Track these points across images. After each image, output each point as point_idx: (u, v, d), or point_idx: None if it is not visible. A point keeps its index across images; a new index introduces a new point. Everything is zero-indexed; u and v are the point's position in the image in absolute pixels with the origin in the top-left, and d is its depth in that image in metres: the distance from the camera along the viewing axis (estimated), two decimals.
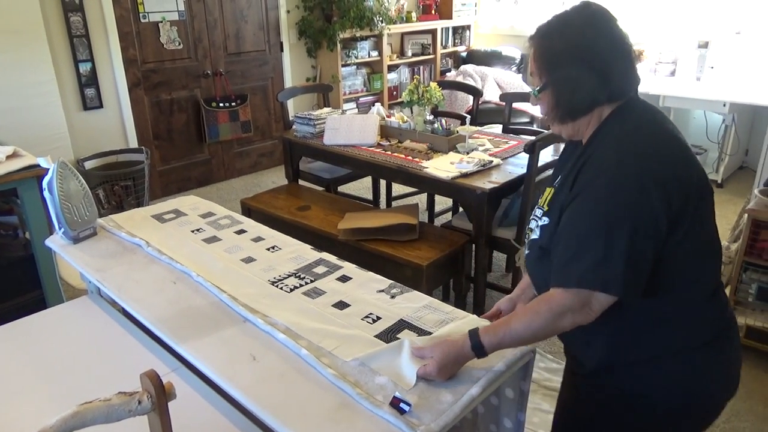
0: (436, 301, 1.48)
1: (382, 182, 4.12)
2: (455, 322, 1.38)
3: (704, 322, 1.19)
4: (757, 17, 4.63)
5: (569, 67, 1.17)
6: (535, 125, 5.31)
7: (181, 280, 1.64)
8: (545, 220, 1.25)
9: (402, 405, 1.11)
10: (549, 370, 2.51)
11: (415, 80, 3.26)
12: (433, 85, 3.22)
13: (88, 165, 3.97)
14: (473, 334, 1.17)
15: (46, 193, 1.83)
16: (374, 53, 5.60)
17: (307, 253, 1.78)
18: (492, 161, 2.85)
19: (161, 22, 4.33)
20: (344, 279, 1.62)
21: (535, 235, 1.28)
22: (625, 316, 1.15)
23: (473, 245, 2.80)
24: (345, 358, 1.28)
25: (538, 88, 1.23)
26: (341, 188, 3.92)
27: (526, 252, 1.33)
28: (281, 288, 1.57)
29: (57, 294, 2.48)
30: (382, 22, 5.32)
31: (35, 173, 2.40)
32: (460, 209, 3.49)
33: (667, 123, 1.19)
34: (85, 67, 3.96)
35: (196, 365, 1.30)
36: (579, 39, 1.17)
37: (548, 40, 1.20)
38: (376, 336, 1.35)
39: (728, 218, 4.15)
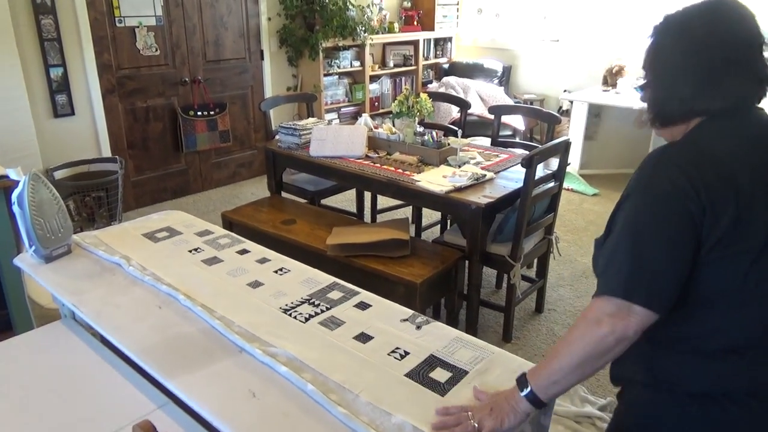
0: (465, 335, 1.38)
1: (367, 195, 4.01)
2: (490, 359, 1.28)
3: (716, 369, 1.01)
4: None
5: (667, 67, 1.09)
6: (517, 138, 5.28)
7: (167, 304, 1.50)
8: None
9: None
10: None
11: (404, 91, 3.17)
12: (424, 96, 3.14)
13: (58, 175, 3.76)
14: (521, 375, 1.09)
15: (15, 208, 1.68)
16: (356, 63, 5.51)
17: (318, 276, 1.66)
18: (485, 175, 2.77)
19: (138, 27, 4.16)
20: (363, 306, 1.50)
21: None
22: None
23: (466, 261, 2.71)
24: (355, 391, 1.16)
25: (640, 85, 1.15)
26: (324, 201, 3.80)
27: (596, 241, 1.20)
28: (295, 317, 1.44)
29: (25, 317, 2.30)
30: (364, 32, 5.24)
31: (2, 185, 2.22)
32: (452, 224, 3.41)
33: (750, 147, 1.02)
34: (56, 72, 3.77)
35: (189, 404, 1.16)
36: (688, 44, 1.05)
37: (658, 38, 1.10)
38: (406, 375, 1.23)
39: None
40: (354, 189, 3.94)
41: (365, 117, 3.44)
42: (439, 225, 3.80)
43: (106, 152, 4.14)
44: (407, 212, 4.31)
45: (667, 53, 1.08)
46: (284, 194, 3.57)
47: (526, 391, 1.07)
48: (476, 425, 1.06)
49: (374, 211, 4.01)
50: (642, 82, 1.15)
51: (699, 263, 0.99)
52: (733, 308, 1.00)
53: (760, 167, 1.00)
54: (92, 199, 3.80)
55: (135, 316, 1.44)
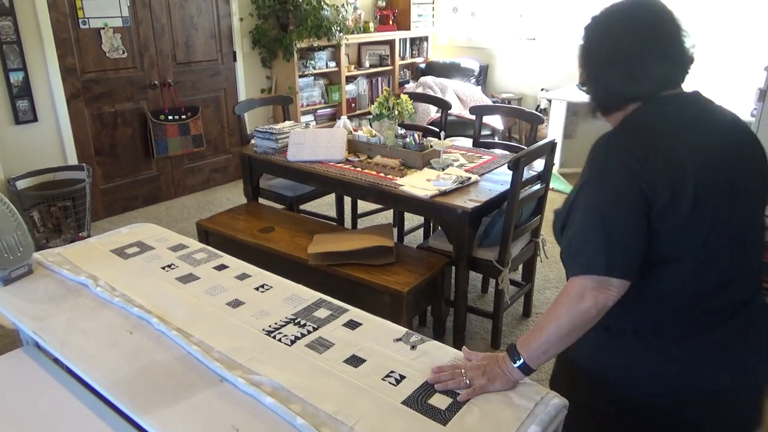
0: (461, 353, 1.28)
1: (347, 199, 3.90)
2: None
3: (664, 315, 1.18)
4: (709, 31, 4.71)
5: (597, 63, 1.22)
6: (496, 137, 5.23)
7: (138, 328, 1.38)
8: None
9: None
10: None
11: (384, 92, 3.07)
12: (404, 97, 3.05)
13: (21, 184, 3.58)
14: (511, 345, 1.21)
15: None
16: (332, 64, 5.40)
17: (303, 292, 1.55)
18: (470, 178, 2.69)
19: (103, 28, 3.99)
20: (353, 325, 1.40)
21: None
22: None
23: (453, 267, 2.63)
24: (348, 423, 1.06)
25: (581, 82, 1.27)
26: (303, 206, 3.68)
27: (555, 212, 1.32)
28: (280, 339, 1.33)
29: None
30: (339, 32, 5.13)
31: None
32: (437, 228, 3.33)
33: (691, 127, 1.16)
34: (16, 77, 3.58)
35: None
36: (610, 39, 1.20)
37: (587, 36, 1.23)
38: (403, 402, 1.13)
39: None
40: (332, 194, 3.84)
41: (344, 119, 3.33)
42: (422, 229, 3.72)
43: (73, 160, 3.95)
44: (388, 216, 4.22)
45: (596, 50, 1.22)
46: (261, 200, 3.45)
47: (519, 363, 1.18)
48: (468, 381, 1.18)
49: (354, 216, 3.91)
50: (582, 79, 1.27)
51: (651, 233, 1.12)
52: (669, 266, 1.15)
53: (694, 144, 1.13)
54: (58, 210, 3.62)
55: (103, 343, 1.32)
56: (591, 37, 1.22)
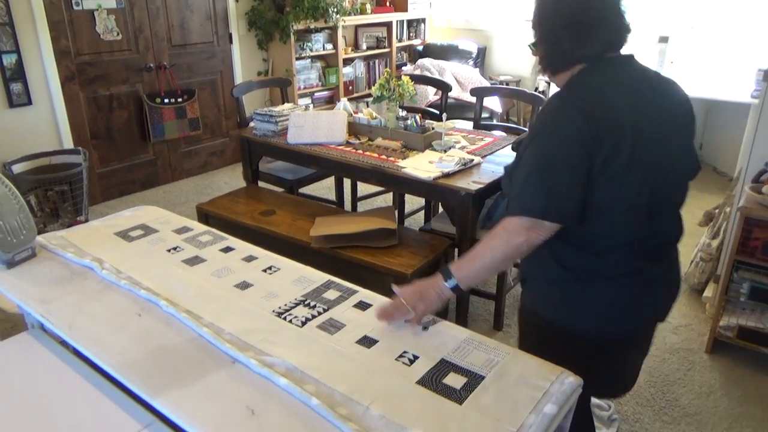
0: (476, 335, 1.28)
1: (346, 182, 3.88)
2: (505, 362, 1.19)
3: (611, 260, 1.33)
4: (710, 12, 4.67)
5: (551, 27, 1.35)
6: (495, 120, 5.20)
7: (147, 311, 1.37)
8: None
9: None
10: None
11: (385, 73, 3.04)
12: (406, 78, 3.02)
13: (17, 169, 3.53)
14: (445, 267, 1.34)
15: None
16: (329, 46, 5.34)
17: (311, 274, 1.54)
18: (473, 159, 2.67)
19: (97, 10, 3.92)
20: (363, 306, 1.39)
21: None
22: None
23: (455, 249, 2.63)
24: (364, 403, 1.05)
25: (532, 42, 1.41)
26: (302, 189, 3.66)
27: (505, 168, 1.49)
28: (291, 321, 1.32)
29: None
30: (336, 14, 5.07)
31: None
32: (438, 211, 3.33)
33: (629, 88, 1.28)
34: (9, 59, 3.52)
35: (181, 425, 1.04)
36: (565, 6, 1.33)
37: (542, 2, 1.37)
38: (418, 382, 1.12)
39: (693, 213, 4.16)
40: (331, 176, 3.81)
41: (344, 102, 3.30)
42: (423, 211, 3.71)
43: (68, 144, 3.91)
44: (387, 199, 4.20)
45: (551, 16, 1.35)
46: (261, 183, 3.42)
47: (452, 284, 1.32)
48: (410, 308, 1.31)
49: (354, 199, 3.89)
50: (533, 40, 1.41)
51: (592, 184, 1.24)
52: (612, 216, 1.28)
53: (634, 103, 1.25)
54: (55, 194, 3.58)
55: (112, 326, 1.31)
56: (546, 3, 1.37)
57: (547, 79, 5.10)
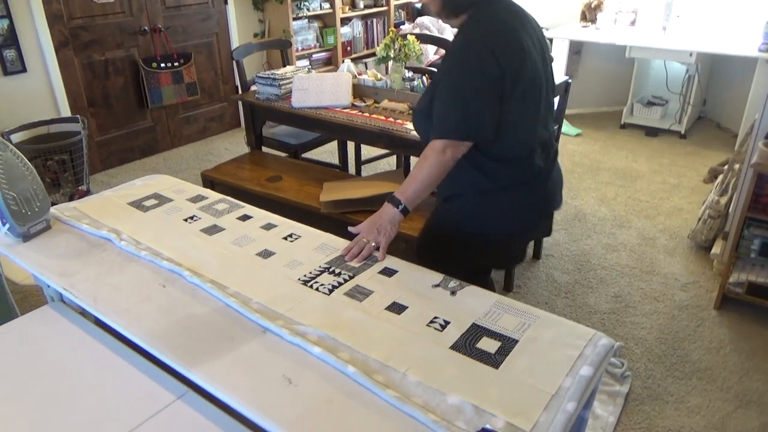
0: (504, 298, 1.27)
1: (350, 145, 3.84)
2: (537, 324, 1.19)
3: (517, 170, 1.57)
4: None
5: None
6: None
7: (170, 281, 1.36)
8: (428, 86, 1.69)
9: None
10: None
11: (390, 33, 2.96)
12: (411, 38, 2.94)
13: (15, 138, 3.46)
14: (391, 196, 1.54)
15: None
16: (326, 5, 5.20)
17: (333, 241, 1.52)
18: None
19: None
20: (388, 272, 1.38)
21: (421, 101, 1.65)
22: (462, 159, 1.52)
23: None
24: (400, 369, 1.06)
25: None
26: (305, 154, 3.62)
27: (414, 109, 1.71)
28: (317, 289, 1.31)
29: (4, 304, 2.08)
30: None
31: None
32: None
33: (517, 22, 1.50)
34: (1, 25, 3.41)
35: (219, 397, 1.04)
36: None
37: None
38: (452, 348, 1.12)
39: (697, 170, 4.15)
40: (335, 140, 3.76)
41: (348, 63, 3.23)
42: None
43: (65, 111, 3.83)
44: (392, 162, 4.17)
45: None
46: (264, 149, 3.38)
47: (401, 207, 1.53)
48: (374, 244, 1.47)
49: (358, 162, 3.86)
50: None
51: (504, 104, 1.47)
52: (521, 129, 1.53)
53: (522, 32, 1.48)
54: (55, 163, 3.53)
55: (137, 298, 1.30)
56: None
57: (549, 36, 5.00)
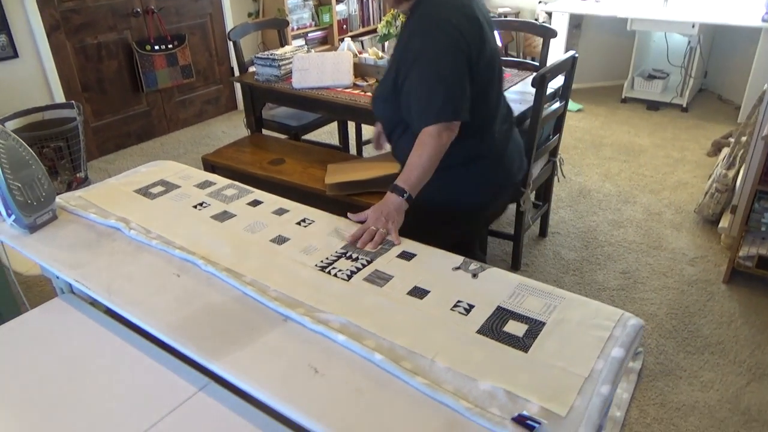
0: (527, 280, 1.25)
1: (350, 126, 3.79)
2: (563, 306, 1.17)
3: (479, 144, 1.65)
4: None
5: None
6: None
7: (185, 270, 1.32)
8: (386, 71, 1.65)
9: (529, 422, 0.89)
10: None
11: (390, 11, 2.90)
12: None
13: (10, 126, 3.39)
14: (393, 186, 1.53)
15: None
16: None
17: (348, 226, 1.49)
18: None
19: None
20: (407, 256, 1.35)
21: (380, 81, 1.67)
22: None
23: None
24: (428, 356, 1.04)
25: None
26: (305, 136, 3.57)
27: (373, 93, 1.74)
28: (336, 275, 1.28)
29: (10, 300, 2.05)
30: None
31: None
32: None
33: (472, 4, 1.55)
34: None
35: (245, 388, 1.01)
36: None
37: None
38: (478, 332, 1.10)
39: (700, 143, 4.12)
40: (334, 121, 3.71)
41: (348, 42, 3.16)
42: None
43: (59, 97, 3.75)
44: None
45: None
46: (264, 131, 3.32)
47: (406, 195, 1.51)
48: (384, 230, 1.45)
49: (359, 143, 3.81)
50: None
51: (472, 79, 1.52)
52: (485, 103, 1.60)
53: (476, 6, 1.55)
54: (51, 151, 3.47)
55: (152, 289, 1.26)
56: None
57: (548, 10, 4.93)
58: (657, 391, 2.05)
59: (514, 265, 2.78)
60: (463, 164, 1.62)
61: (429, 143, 1.50)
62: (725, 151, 3.49)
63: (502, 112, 1.72)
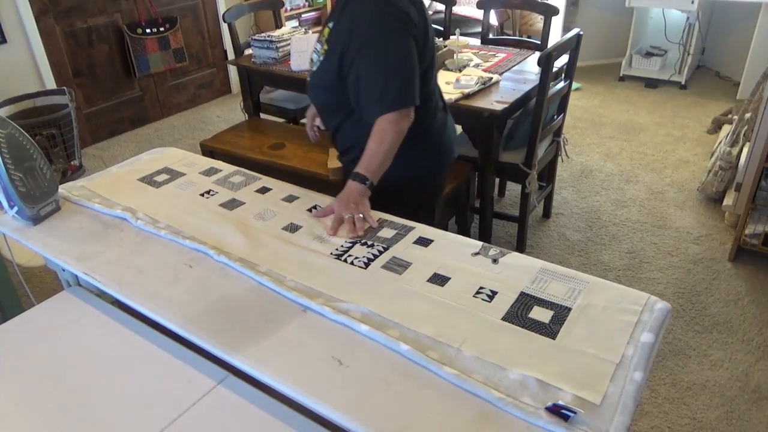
0: (549, 264, 1.22)
1: None
2: (587, 290, 1.14)
3: (435, 116, 1.70)
4: None
5: None
6: (491, 34, 4.98)
7: (197, 261, 1.29)
8: (324, 58, 1.58)
9: (564, 411, 0.87)
10: None
11: None
12: None
13: (1, 113, 3.31)
14: (354, 174, 1.50)
15: None
16: None
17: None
18: (492, 78, 2.55)
19: None
20: (424, 242, 1.32)
21: (316, 68, 1.62)
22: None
23: (476, 174, 2.55)
24: (454, 345, 1.01)
25: None
26: (303, 120, 3.51)
27: (309, 81, 1.67)
28: (352, 263, 1.25)
29: (13, 295, 2.01)
30: None
31: None
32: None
33: None
34: None
35: (267, 382, 0.99)
36: None
37: None
38: (504, 319, 1.08)
39: (700, 120, 4.10)
40: None
41: None
42: None
43: (50, 83, 3.67)
44: None
45: None
46: (262, 116, 3.27)
47: (368, 183, 1.49)
48: (360, 215, 1.42)
49: None
50: None
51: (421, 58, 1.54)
52: (427, 82, 1.62)
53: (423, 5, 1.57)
54: (44, 138, 3.39)
55: (164, 280, 1.23)
56: None
57: None
58: (667, 370, 2.05)
59: (519, 247, 2.76)
60: (411, 139, 1.58)
61: (389, 130, 1.49)
62: (726, 128, 3.47)
63: (438, 90, 1.74)
